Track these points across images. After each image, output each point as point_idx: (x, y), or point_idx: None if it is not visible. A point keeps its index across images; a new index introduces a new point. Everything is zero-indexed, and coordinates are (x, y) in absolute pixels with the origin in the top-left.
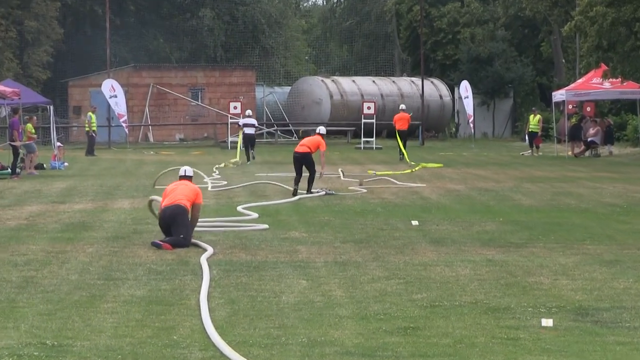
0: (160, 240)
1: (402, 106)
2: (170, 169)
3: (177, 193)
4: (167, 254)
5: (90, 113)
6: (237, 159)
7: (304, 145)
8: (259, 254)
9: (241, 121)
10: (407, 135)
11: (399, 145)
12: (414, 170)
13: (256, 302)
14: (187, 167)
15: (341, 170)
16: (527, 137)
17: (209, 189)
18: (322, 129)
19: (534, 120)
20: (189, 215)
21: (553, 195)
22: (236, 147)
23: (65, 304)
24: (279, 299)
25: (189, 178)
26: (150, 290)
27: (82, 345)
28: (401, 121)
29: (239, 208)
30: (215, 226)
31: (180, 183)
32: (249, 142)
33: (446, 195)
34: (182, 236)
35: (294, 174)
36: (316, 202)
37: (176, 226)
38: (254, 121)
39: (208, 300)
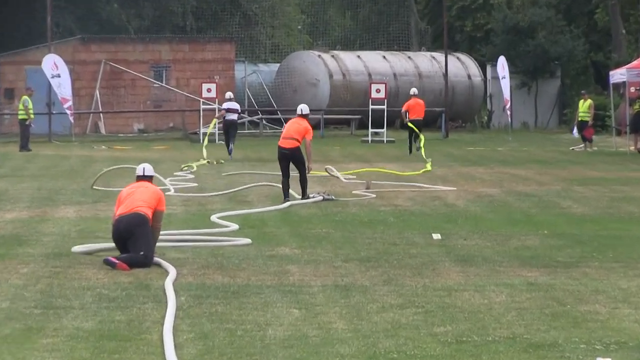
0: (115, 258)
1: (414, 90)
2: (115, 167)
3: (134, 198)
4: (122, 275)
5: (25, 97)
6: (205, 157)
7: (289, 138)
8: (239, 276)
9: (225, 105)
10: (423, 126)
11: (410, 138)
12: (427, 168)
13: (235, 337)
14: (146, 165)
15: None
16: (575, 128)
17: (171, 192)
18: (304, 108)
19: (584, 107)
20: (150, 226)
21: (611, 201)
22: (204, 141)
23: None
24: (265, 332)
25: (148, 179)
26: (101, 321)
27: None
28: (416, 108)
29: (214, 217)
30: (184, 240)
31: (138, 185)
32: (230, 130)
33: (476, 202)
34: (142, 253)
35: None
36: (311, 209)
37: (134, 240)
38: (237, 106)
39: (174, 335)
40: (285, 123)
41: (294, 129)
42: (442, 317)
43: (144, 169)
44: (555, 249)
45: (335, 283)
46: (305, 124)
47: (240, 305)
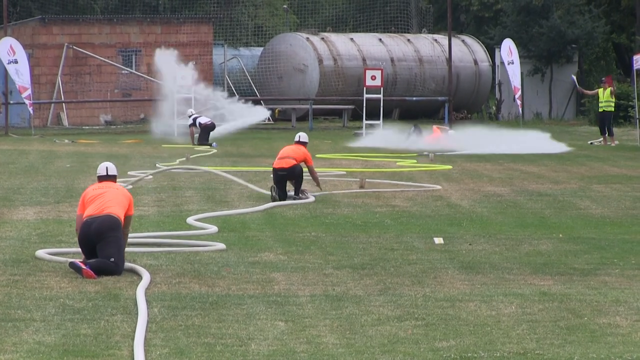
0: (82, 262)
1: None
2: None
3: (105, 200)
4: (88, 284)
5: None
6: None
7: (286, 158)
8: (219, 285)
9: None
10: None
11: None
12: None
13: (214, 352)
14: (109, 164)
15: None
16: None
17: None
18: (304, 136)
19: (605, 95)
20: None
21: (634, 201)
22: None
23: None
24: (247, 348)
25: (112, 178)
26: (65, 335)
27: None
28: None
29: (190, 220)
30: (150, 244)
31: (108, 186)
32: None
33: (483, 202)
34: (112, 260)
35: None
36: (299, 211)
37: (104, 245)
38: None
39: (146, 350)
40: (271, 113)
41: (292, 151)
42: (444, 331)
43: (107, 168)
44: (571, 254)
45: (326, 293)
46: (304, 150)
47: (219, 317)
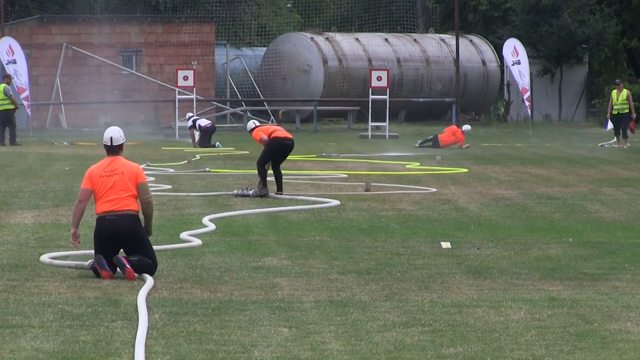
0: (124, 257)
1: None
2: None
3: (117, 189)
4: (87, 290)
5: (5, 85)
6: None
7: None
8: (221, 290)
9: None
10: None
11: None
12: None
13: (216, 359)
14: (112, 132)
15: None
16: (609, 122)
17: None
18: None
19: (621, 98)
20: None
21: None
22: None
23: None
24: (250, 354)
25: (118, 150)
26: (64, 342)
27: None
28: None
29: (205, 219)
30: None
31: (114, 171)
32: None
33: (491, 205)
34: (149, 261)
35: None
36: (303, 214)
37: (138, 249)
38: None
39: (147, 357)
40: (273, 115)
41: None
42: (452, 337)
43: (111, 138)
44: (581, 259)
45: (330, 298)
46: None
47: (222, 323)
